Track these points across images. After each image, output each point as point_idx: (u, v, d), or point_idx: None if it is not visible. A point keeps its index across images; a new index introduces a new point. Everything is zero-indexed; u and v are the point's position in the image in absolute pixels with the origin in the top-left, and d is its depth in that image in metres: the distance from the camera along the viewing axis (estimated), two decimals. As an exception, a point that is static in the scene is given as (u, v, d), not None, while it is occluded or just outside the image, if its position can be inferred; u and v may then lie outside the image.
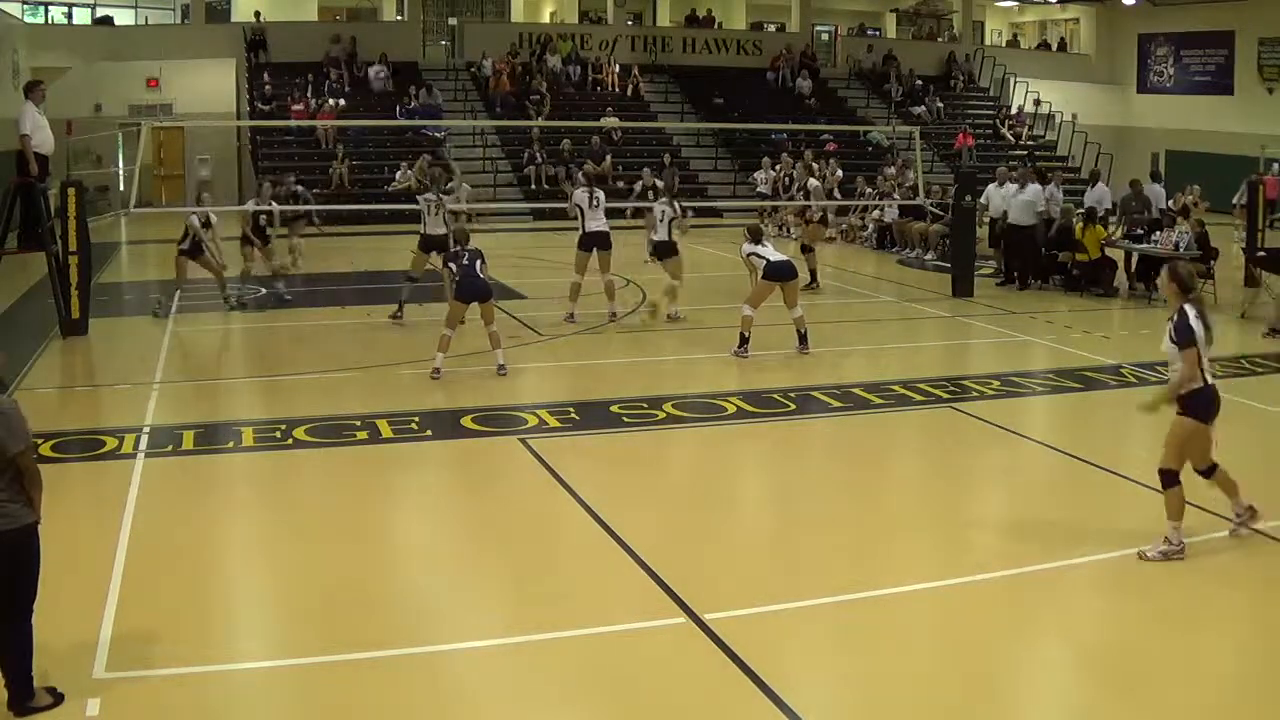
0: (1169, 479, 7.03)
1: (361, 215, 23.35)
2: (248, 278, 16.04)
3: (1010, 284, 17.57)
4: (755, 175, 26.60)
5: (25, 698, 5.07)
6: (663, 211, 14.40)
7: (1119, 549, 7.25)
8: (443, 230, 14.04)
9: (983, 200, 18.49)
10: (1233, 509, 7.39)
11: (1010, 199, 17.70)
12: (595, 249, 14.24)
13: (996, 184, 18.75)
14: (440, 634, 6.19)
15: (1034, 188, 17.57)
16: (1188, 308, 6.97)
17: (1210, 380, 7.03)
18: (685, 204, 15.62)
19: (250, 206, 16.25)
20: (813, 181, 19.17)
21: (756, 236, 12.96)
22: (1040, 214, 17.39)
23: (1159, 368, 12.22)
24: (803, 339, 12.71)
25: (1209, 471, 7.20)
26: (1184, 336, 6.89)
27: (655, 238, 14.46)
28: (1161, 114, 34.79)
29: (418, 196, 14.35)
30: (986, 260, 18.63)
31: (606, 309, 14.46)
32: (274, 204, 16.57)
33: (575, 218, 14.43)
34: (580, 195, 14.40)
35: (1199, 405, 6.97)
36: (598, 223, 14.20)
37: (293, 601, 6.58)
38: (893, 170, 24.98)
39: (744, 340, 12.51)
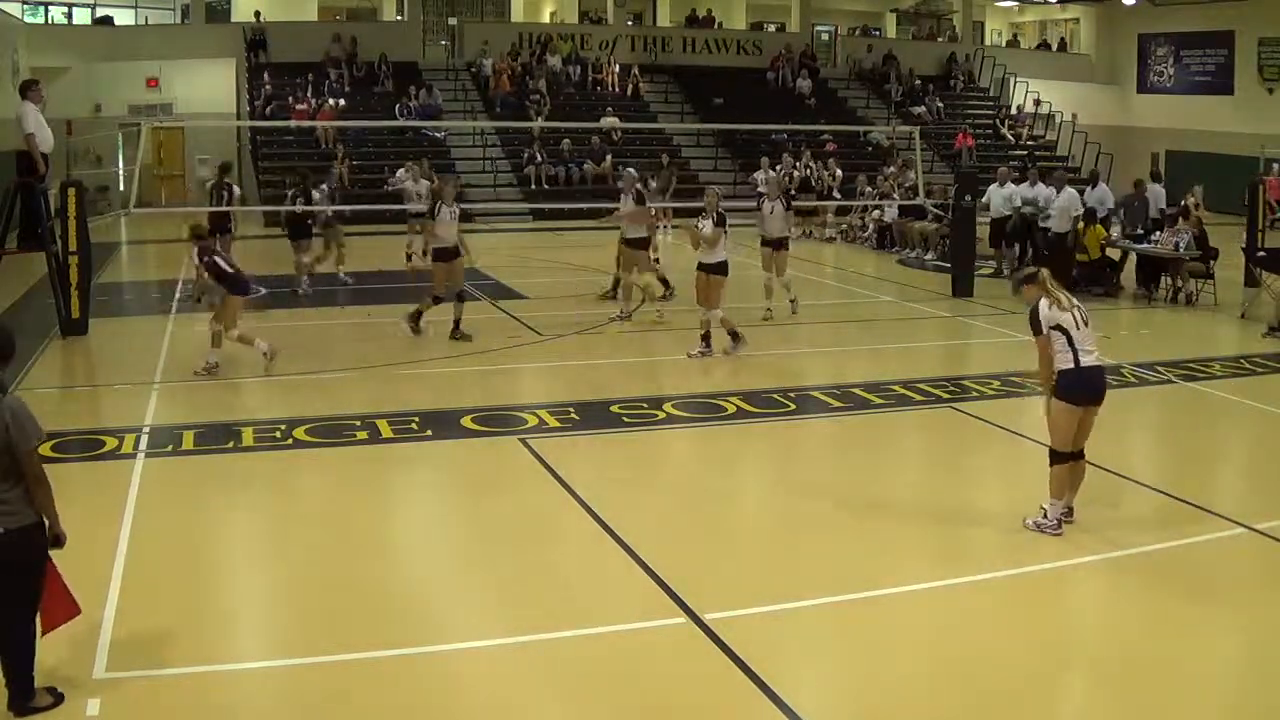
0: (1051, 458, 7.40)
1: (361, 215, 23.33)
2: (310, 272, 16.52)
3: None
4: (755, 175, 26.71)
5: (25, 698, 5.07)
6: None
7: (1119, 549, 7.26)
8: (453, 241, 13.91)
9: (984, 200, 18.43)
10: (1052, 503, 7.43)
11: (1063, 206, 16.79)
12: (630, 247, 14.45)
13: (998, 184, 18.71)
14: (440, 634, 6.19)
15: (1069, 192, 16.79)
16: (1043, 300, 7.33)
17: (1081, 362, 7.24)
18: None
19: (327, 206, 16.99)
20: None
21: (721, 220, 12.52)
22: (1076, 217, 16.64)
23: (1159, 367, 12.27)
24: (706, 340, 12.54)
25: (1073, 456, 7.39)
26: (1032, 325, 7.37)
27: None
28: (1161, 114, 34.78)
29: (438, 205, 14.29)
30: (986, 260, 18.63)
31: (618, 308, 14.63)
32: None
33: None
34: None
35: (1062, 387, 7.30)
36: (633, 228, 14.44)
37: (293, 601, 6.58)
38: (893, 170, 24.97)
39: (736, 336, 12.49)
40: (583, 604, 6.51)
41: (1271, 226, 19.13)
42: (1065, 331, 7.23)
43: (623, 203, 14.63)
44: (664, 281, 15.44)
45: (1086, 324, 7.30)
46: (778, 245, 14.81)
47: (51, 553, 5.14)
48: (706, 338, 12.54)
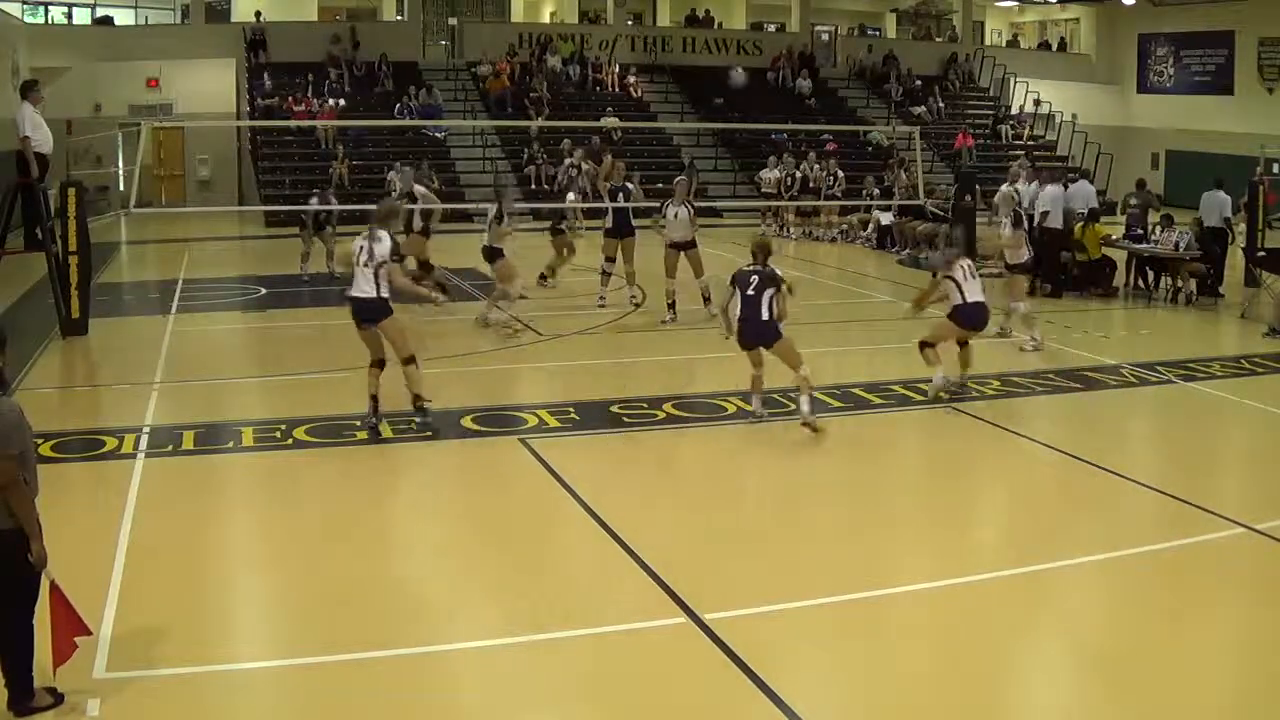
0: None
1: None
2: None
3: (1055, 295, 16.55)
4: (761, 174, 26.79)
5: (25, 698, 5.07)
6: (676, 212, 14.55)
7: (1119, 549, 7.26)
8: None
9: (996, 200, 18.31)
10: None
11: (1056, 201, 16.64)
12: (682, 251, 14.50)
13: (1009, 184, 18.57)
14: (440, 634, 6.19)
15: (1050, 189, 16.63)
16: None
17: (968, 299, 10.50)
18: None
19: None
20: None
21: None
22: (1067, 213, 16.50)
23: (1159, 367, 12.28)
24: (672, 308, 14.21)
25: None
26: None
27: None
28: (1161, 114, 34.77)
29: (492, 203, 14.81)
30: (985, 260, 18.55)
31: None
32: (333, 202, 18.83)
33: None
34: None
35: (955, 314, 10.62)
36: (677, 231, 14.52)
37: (292, 601, 6.58)
38: (903, 174, 24.98)
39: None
40: (582, 604, 6.50)
41: (1270, 226, 19.05)
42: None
43: (673, 212, 14.52)
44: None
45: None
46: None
47: (53, 562, 5.09)
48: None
